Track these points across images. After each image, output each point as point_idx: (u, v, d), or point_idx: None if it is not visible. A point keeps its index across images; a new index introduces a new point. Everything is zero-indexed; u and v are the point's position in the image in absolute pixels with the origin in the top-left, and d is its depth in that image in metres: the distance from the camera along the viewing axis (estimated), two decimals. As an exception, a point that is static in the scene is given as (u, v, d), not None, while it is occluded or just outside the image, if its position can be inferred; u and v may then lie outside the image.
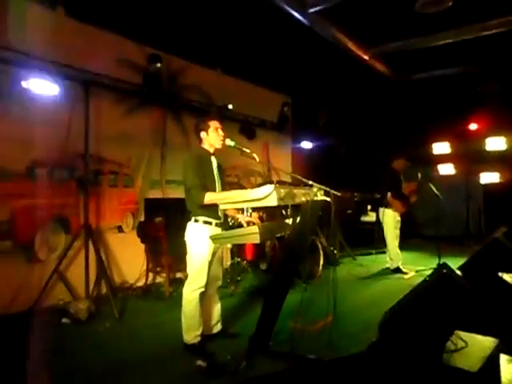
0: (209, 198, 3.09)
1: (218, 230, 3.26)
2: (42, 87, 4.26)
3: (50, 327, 3.86)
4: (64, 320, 4.03)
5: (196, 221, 3.25)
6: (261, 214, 5.20)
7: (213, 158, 3.39)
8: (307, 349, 3.15)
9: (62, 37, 4.51)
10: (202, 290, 3.24)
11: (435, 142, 9.02)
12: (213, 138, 3.32)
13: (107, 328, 3.90)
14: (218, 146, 3.35)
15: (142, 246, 5.25)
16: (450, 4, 4.80)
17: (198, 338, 3.26)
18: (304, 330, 3.54)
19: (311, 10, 5.29)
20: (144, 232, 5.32)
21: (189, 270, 3.28)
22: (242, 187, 5.44)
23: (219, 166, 3.43)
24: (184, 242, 3.32)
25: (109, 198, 5.20)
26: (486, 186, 9.13)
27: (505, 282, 3.19)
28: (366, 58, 6.91)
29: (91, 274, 4.60)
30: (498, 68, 7.67)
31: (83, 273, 4.54)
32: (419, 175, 6.44)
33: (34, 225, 4.40)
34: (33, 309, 4.13)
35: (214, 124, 3.33)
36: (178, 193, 5.67)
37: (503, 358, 2.15)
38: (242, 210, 4.23)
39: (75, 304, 4.13)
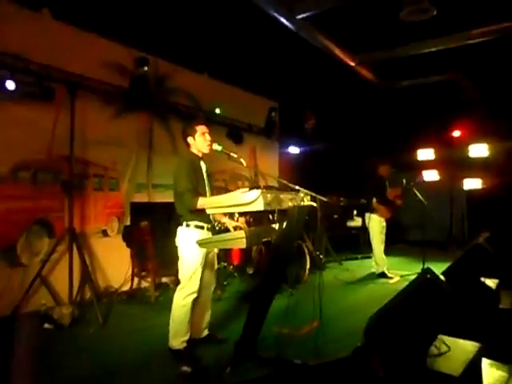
0: (201, 202, 3.07)
1: (210, 235, 3.24)
2: (27, 89, 4.20)
3: (32, 333, 3.79)
4: (46, 325, 3.95)
5: (187, 225, 3.22)
6: (247, 218, 5.20)
7: (202, 163, 3.39)
8: (293, 354, 3.15)
9: (48, 39, 4.47)
10: (195, 295, 3.21)
11: (420, 148, 9.15)
12: (200, 142, 3.31)
13: (91, 333, 3.85)
14: (205, 150, 3.35)
15: (128, 251, 5.20)
16: (435, 13, 4.89)
17: (184, 344, 3.23)
18: (290, 334, 3.55)
19: (298, 17, 5.34)
20: (129, 236, 5.27)
21: (181, 275, 3.23)
22: (230, 192, 5.43)
23: (208, 171, 3.43)
24: (170, 246, 3.29)
25: (94, 202, 5.14)
26: (469, 191, 9.30)
27: (487, 286, 3.25)
28: (352, 64, 6.99)
29: (75, 278, 4.53)
30: (480, 76, 7.84)
31: (67, 277, 4.47)
32: (404, 181, 6.53)
33: (16, 228, 4.33)
34: (15, 314, 4.05)
35: (200, 129, 3.32)
36: (164, 197, 5.65)
37: (485, 362, 2.19)
38: (228, 215, 4.23)
39: (58, 309, 4.06)
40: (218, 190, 3.20)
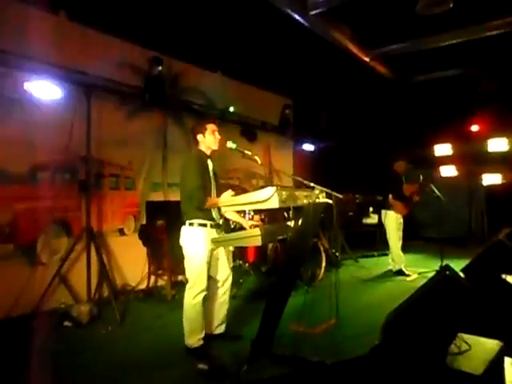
0: (211, 202, 3.09)
1: (213, 232, 3.25)
2: (44, 90, 4.27)
3: (51, 330, 3.86)
4: (66, 323, 4.03)
5: (191, 224, 3.22)
6: (262, 216, 5.19)
7: (209, 161, 3.39)
8: (310, 352, 3.13)
9: (64, 40, 4.53)
10: (205, 293, 3.23)
11: (437, 143, 8.99)
12: (210, 140, 3.34)
13: (109, 331, 3.90)
14: (215, 147, 3.37)
15: (144, 249, 5.25)
16: (451, 5, 4.79)
17: (201, 342, 3.25)
18: (306, 332, 3.53)
19: (312, 12, 5.29)
20: (146, 235, 5.31)
21: (188, 274, 3.26)
22: (244, 190, 5.43)
23: (214, 169, 3.43)
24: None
25: (110, 201, 5.20)
26: (488, 187, 9.09)
27: (508, 283, 3.17)
28: (366, 59, 6.90)
29: (93, 276, 4.60)
30: (498, 69, 7.65)
31: (85, 276, 4.54)
32: (421, 177, 6.43)
33: (35, 228, 4.41)
34: (35, 312, 4.13)
35: (210, 127, 3.34)
36: (179, 195, 5.67)
37: (507, 360, 2.13)
38: (243, 213, 4.23)
39: (77, 307, 4.13)
40: (232, 188, 3.19)
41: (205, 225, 3.23)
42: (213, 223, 3.27)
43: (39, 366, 3.17)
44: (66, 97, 4.47)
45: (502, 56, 7.05)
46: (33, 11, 4.32)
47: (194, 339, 3.23)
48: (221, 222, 3.37)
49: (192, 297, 3.20)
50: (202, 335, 3.26)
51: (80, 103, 4.59)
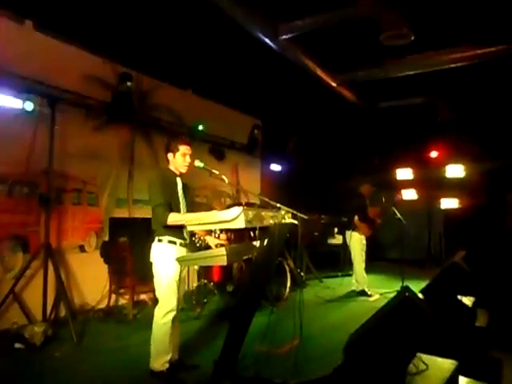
0: (172, 218, 3.02)
1: (183, 250, 3.20)
2: (6, 101, 4.13)
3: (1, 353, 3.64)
4: (17, 345, 3.79)
5: (160, 240, 3.15)
6: (229, 235, 5.18)
7: (178, 179, 3.33)
8: (273, 373, 3.11)
9: (30, 51, 4.43)
10: (174, 313, 3.12)
11: (399, 167, 9.34)
12: (178, 161, 3.27)
13: (64, 353, 3.71)
14: (183, 170, 3.31)
15: (105, 267, 5.09)
16: (412, 38, 5.06)
17: (167, 365, 3.11)
18: (270, 353, 3.51)
19: (282, 37, 5.45)
20: (108, 252, 5.17)
21: (158, 293, 3.15)
22: (212, 208, 5.41)
23: (185, 187, 3.37)
24: (149, 263, 3.23)
25: (72, 217, 5.04)
26: (446, 211, 9.50)
27: (463, 304, 3.30)
28: (333, 84, 7.15)
29: (50, 295, 4.39)
30: (456, 99, 8.11)
31: (41, 294, 4.33)
32: (383, 199, 6.64)
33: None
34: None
35: (183, 149, 3.26)
36: (144, 212, 5.56)
37: (462, 379, 2.20)
38: (210, 232, 4.20)
39: (30, 327, 3.91)
40: (199, 207, 3.17)
41: (174, 242, 3.16)
42: (183, 242, 3.21)
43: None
44: (29, 108, 4.34)
45: (460, 88, 7.48)
46: (-2, 20, 4.22)
47: (159, 362, 3.10)
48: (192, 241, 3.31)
49: (161, 316, 3.09)
50: (168, 358, 3.13)
51: (44, 115, 4.47)
